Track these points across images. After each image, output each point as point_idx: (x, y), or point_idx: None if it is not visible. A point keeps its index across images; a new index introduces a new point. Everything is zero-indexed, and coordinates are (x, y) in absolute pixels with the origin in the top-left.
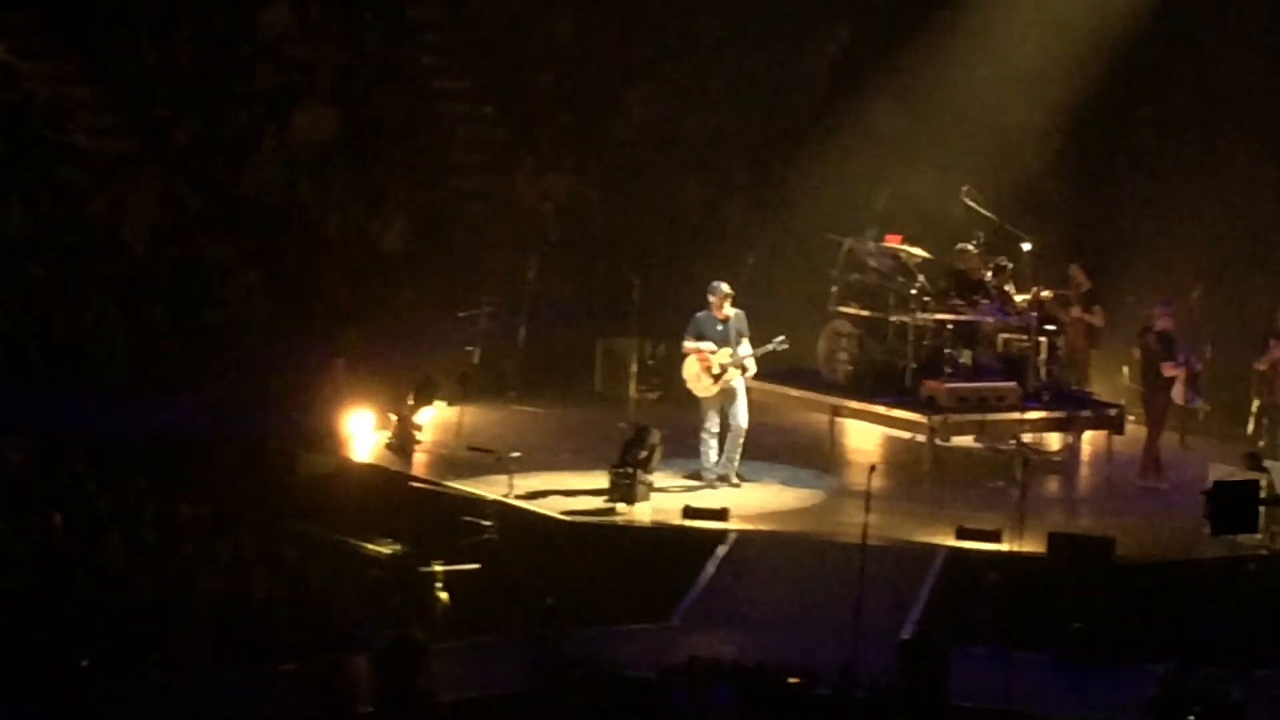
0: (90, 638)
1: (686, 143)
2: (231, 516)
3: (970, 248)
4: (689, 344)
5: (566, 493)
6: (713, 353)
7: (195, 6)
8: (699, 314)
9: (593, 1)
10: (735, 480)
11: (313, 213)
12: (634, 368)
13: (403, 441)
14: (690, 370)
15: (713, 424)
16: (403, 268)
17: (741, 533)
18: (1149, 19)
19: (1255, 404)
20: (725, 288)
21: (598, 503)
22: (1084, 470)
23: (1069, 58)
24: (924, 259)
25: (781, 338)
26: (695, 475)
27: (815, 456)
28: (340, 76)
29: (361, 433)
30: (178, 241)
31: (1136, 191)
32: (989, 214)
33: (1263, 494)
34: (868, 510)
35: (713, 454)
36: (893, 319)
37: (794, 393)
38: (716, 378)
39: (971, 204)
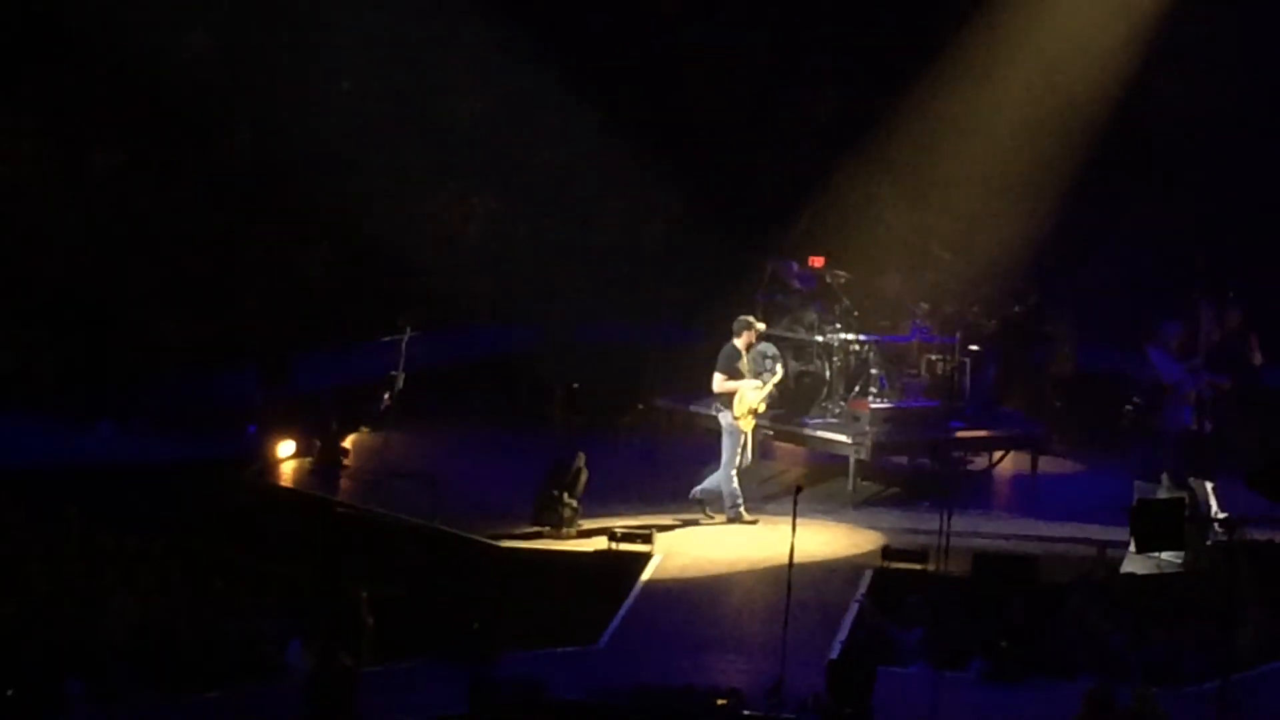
0: (12, 667)
1: (608, 164)
2: (156, 543)
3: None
4: (729, 383)
5: (494, 516)
6: (756, 388)
7: (113, 32)
8: (728, 346)
9: (513, 23)
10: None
11: (236, 239)
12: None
13: (329, 466)
14: (742, 407)
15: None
16: (327, 293)
17: (668, 555)
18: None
19: None
20: (753, 321)
21: (525, 527)
22: (1010, 489)
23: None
24: (848, 280)
25: (778, 371)
26: (713, 511)
27: (741, 477)
28: (260, 102)
29: (288, 458)
30: (100, 269)
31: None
32: (918, 238)
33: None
34: (794, 530)
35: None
36: (817, 339)
37: (711, 416)
38: (755, 413)
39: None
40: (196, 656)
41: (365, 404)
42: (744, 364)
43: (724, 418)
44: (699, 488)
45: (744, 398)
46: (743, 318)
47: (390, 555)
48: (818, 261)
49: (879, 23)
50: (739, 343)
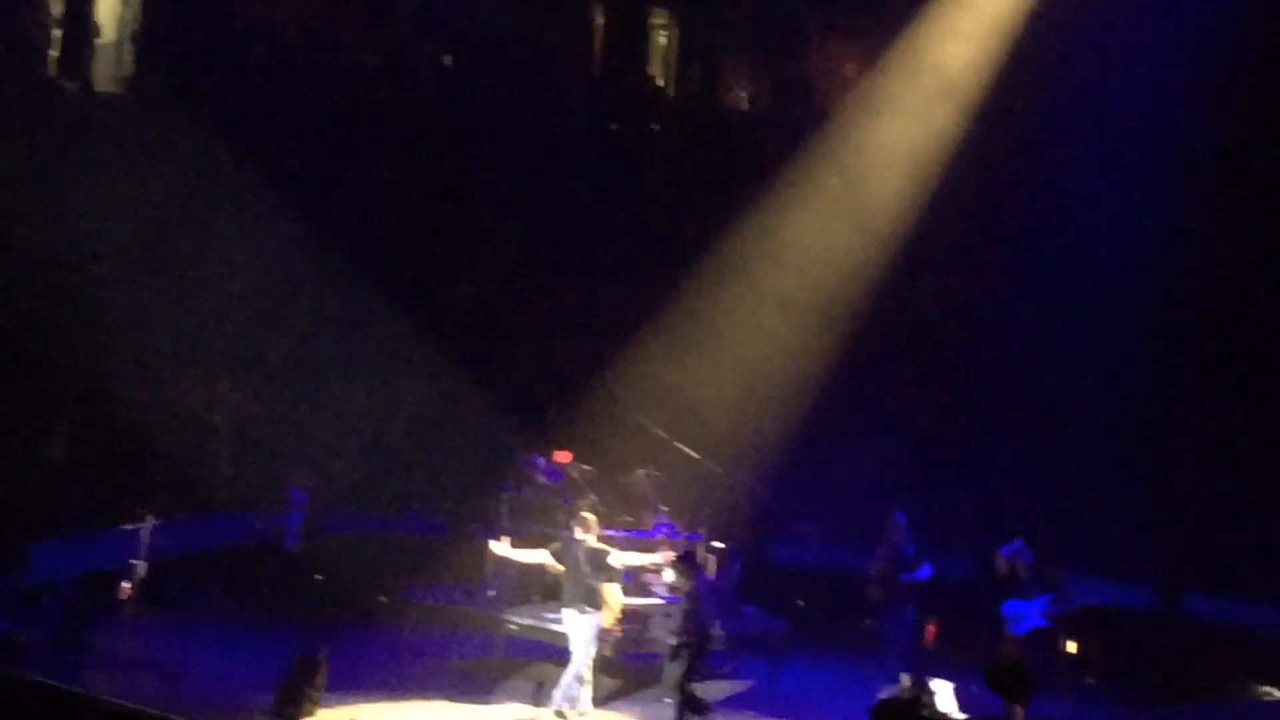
0: None
1: (357, 354)
2: None
3: (641, 471)
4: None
5: (234, 708)
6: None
7: None
8: (596, 547)
9: (265, 209)
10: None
11: None
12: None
13: (68, 655)
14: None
15: None
16: (67, 476)
17: None
18: None
19: None
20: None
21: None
22: (752, 687)
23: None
24: (593, 474)
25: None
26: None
27: (482, 672)
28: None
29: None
30: None
31: None
32: (661, 433)
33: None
34: None
35: None
36: (564, 534)
37: (459, 610)
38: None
39: (644, 422)
40: None
41: (104, 593)
42: None
43: (593, 619)
44: (560, 696)
45: (619, 597)
46: (588, 515)
47: None
48: (564, 456)
49: (638, 220)
50: (592, 539)
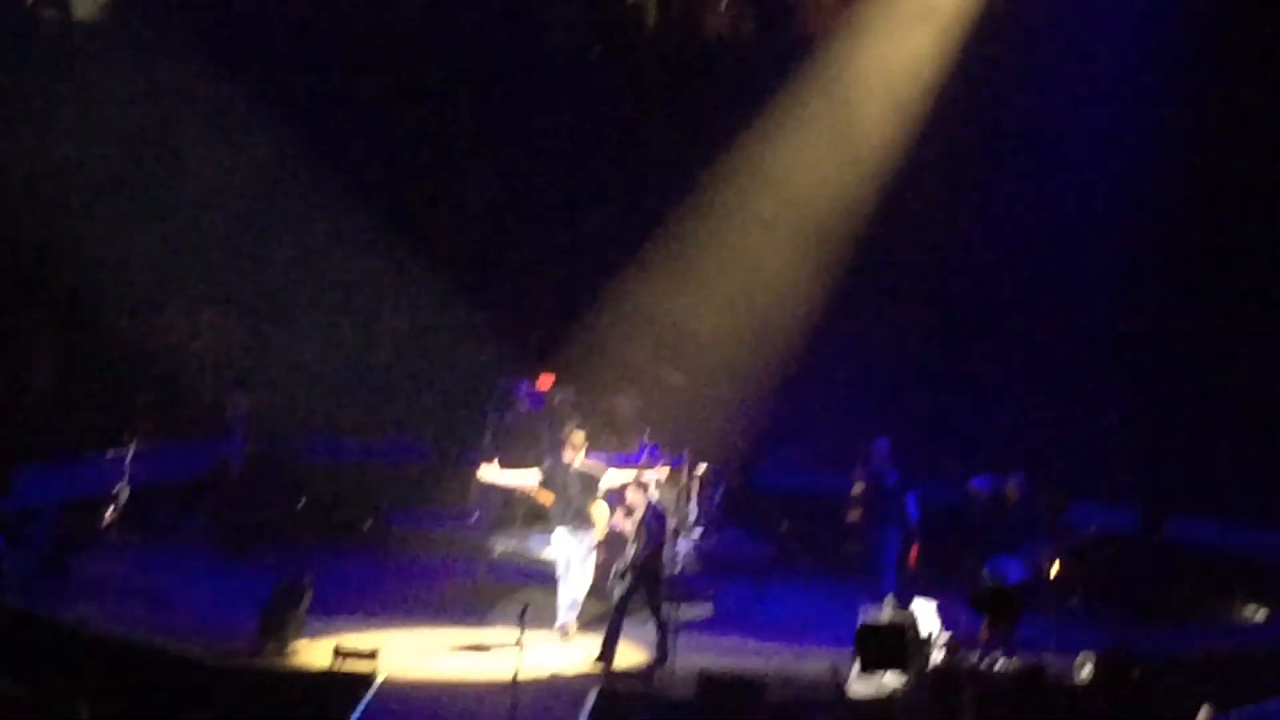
0: None
1: (338, 281)
2: None
3: (625, 395)
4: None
5: (218, 633)
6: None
7: None
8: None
9: (246, 136)
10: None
11: None
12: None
13: (52, 581)
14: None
15: None
16: (51, 403)
17: (392, 673)
18: None
19: None
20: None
21: (250, 644)
22: (736, 610)
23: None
24: (576, 399)
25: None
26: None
27: (468, 596)
28: None
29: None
30: None
31: None
32: (645, 356)
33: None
34: (520, 648)
35: None
36: (550, 456)
37: (444, 535)
38: None
39: (628, 345)
40: None
41: (89, 518)
42: None
43: (586, 539)
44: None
45: (604, 518)
46: (576, 433)
47: (113, 674)
48: (546, 380)
49: (624, 146)
50: (580, 459)
